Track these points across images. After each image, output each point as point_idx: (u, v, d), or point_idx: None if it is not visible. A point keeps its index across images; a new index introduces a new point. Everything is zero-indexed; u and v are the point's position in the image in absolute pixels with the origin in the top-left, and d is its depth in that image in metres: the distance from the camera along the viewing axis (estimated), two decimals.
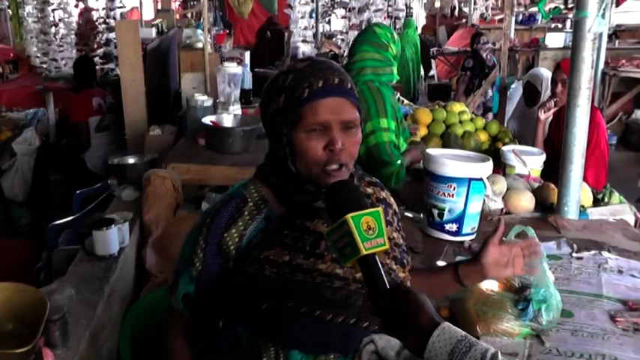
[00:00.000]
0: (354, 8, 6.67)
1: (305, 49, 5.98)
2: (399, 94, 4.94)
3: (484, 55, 7.39)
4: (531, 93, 4.14)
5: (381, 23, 3.14)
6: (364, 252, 1.17)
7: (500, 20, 8.93)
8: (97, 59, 7.17)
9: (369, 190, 1.56)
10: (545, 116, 3.50)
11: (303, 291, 1.39)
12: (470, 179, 2.28)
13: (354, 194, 1.27)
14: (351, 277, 1.42)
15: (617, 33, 10.56)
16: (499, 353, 1.11)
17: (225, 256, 1.42)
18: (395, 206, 1.62)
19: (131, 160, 3.76)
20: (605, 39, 6.58)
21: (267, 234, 1.42)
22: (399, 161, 2.82)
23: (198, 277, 1.44)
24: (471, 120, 3.86)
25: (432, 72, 11.61)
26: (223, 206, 1.45)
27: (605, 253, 2.20)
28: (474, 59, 7.54)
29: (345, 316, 1.41)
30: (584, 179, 2.64)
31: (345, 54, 6.97)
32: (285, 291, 1.39)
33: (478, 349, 1.11)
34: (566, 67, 3.15)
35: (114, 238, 2.68)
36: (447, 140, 3.61)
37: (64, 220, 3.46)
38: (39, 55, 7.73)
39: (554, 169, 2.72)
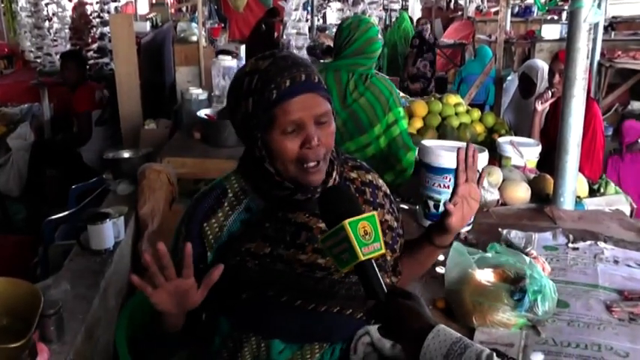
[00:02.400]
0: (347, 0, 6.64)
1: (298, 42, 5.93)
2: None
3: (425, 35, 8.78)
4: (527, 84, 4.13)
5: (366, 17, 3.13)
6: (362, 258, 1.17)
7: (496, 12, 8.92)
8: (91, 54, 7.13)
9: (353, 175, 1.55)
10: (542, 107, 3.50)
11: (283, 281, 1.39)
12: None
13: (348, 199, 1.27)
14: (333, 266, 1.42)
15: (613, 24, 10.55)
16: (494, 355, 1.11)
17: (203, 246, 1.42)
18: (385, 188, 1.62)
19: (126, 155, 3.75)
20: (601, 30, 6.55)
21: (249, 226, 1.42)
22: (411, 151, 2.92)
23: None
24: (467, 112, 3.86)
25: None
26: (204, 197, 1.47)
27: (601, 244, 2.20)
28: (419, 39, 8.82)
29: (328, 305, 1.42)
30: (580, 170, 2.64)
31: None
32: (266, 280, 1.39)
33: (473, 351, 1.12)
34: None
35: (109, 232, 2.67)
36: (443, 132, 3.60)
37: (60, 215, 3.45)
38: (33, 49, 7.68)
39: (550, 160, 2.71)
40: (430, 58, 8.75)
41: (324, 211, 1.26)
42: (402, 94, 4.96)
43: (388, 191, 1.63)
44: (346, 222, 1.17)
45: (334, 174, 1.45)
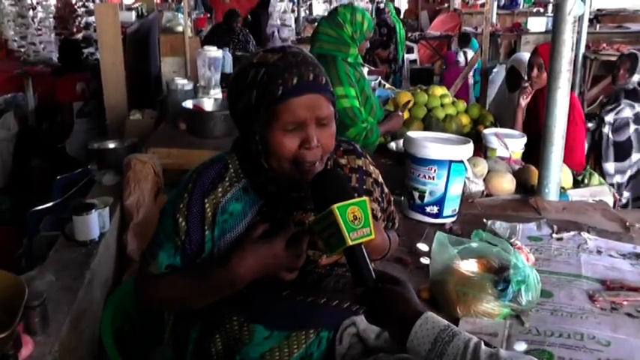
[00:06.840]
0: None
1: (284, 34, 5.91)
2: (380, 78, 4.94)
3: (388, 21, 9.54)
4: (515, 78, 4.13)
5: (348, 4, 3.19)
6: (350, 242, 1.18)
7: (483, 5, 8.94)
8: None
9: (343, 161, 1.52)
10: (525, 102, 3.52)
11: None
12: (450, 161, 2.29)
13: (339, 183, 1.27)
14: (319, 259, 1.42)
15: (598, 17, 10.62)
16: (482, 343, 1.11)
17: (204, 222, 1.39)
18: (376, 175, 1.58)
19: (111, 145, 3.72)
20: (586, 23, 6.59)
21: (248, 227, 1.39)
22: (364, 124, 2.89)
23: (183, 247, 1.40)
24: (453, 103, 3.87)
25: (414, 56, 11.62)
26: (205, 170, 1.42)
27: (585, 234, 2.22)
28: (386, 26, 9.43)
29: (315, 296, 1.42)
30: (563, 161, 2.65)
31: None
32: None
33: (461, 339, 1.12)
34: (544, 51, 3.15)
35: (94, 223, 2.65)
36: (429, 123, 3.61)
37: (45, 205, 3.43)
38: (17, 39, 7.59)
39: (533, 153, 2.73)
40: (396, 41, 9.54)
41: (315, 194, 1.26)
42: (387, 85, 4.97)
43: (380, 179, 1.60)
44: (334, 207, 1.18)
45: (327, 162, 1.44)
